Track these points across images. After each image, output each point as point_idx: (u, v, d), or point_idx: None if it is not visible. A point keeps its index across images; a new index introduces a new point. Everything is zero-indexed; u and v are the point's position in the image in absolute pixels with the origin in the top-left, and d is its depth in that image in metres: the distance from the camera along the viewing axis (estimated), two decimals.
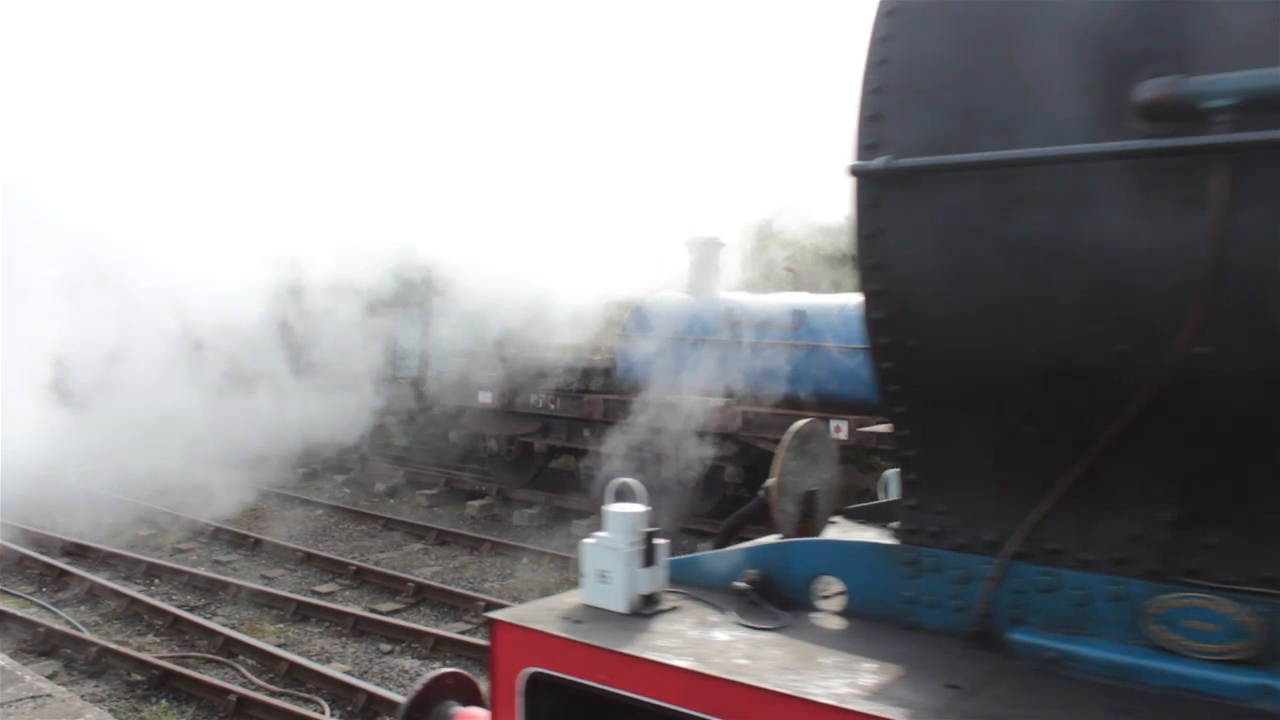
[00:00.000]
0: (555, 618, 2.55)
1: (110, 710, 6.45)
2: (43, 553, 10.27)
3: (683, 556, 2.88)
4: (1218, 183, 1.95)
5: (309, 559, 10.34)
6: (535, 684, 2.48)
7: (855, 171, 2.29)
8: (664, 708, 2.26)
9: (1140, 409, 2.13)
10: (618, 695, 2.33)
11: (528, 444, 13.30)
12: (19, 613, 8.41)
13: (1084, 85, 2.07)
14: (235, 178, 12.95)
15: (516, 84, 13.35)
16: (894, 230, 2.29)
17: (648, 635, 2.44)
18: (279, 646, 7.77)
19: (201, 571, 9.78)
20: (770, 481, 2.98)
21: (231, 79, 13.61)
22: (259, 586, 9.27)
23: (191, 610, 8.70)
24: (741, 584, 2.65)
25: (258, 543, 10.93)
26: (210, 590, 9.33)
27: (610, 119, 12.30)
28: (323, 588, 9.56)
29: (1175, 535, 2.19)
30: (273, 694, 6.92)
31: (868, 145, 2.31)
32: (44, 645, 7.87)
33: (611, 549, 2.59)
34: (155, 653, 7.69)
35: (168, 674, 7.11)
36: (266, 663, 7.44)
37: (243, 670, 7.36)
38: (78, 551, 10.52)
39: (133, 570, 9.95)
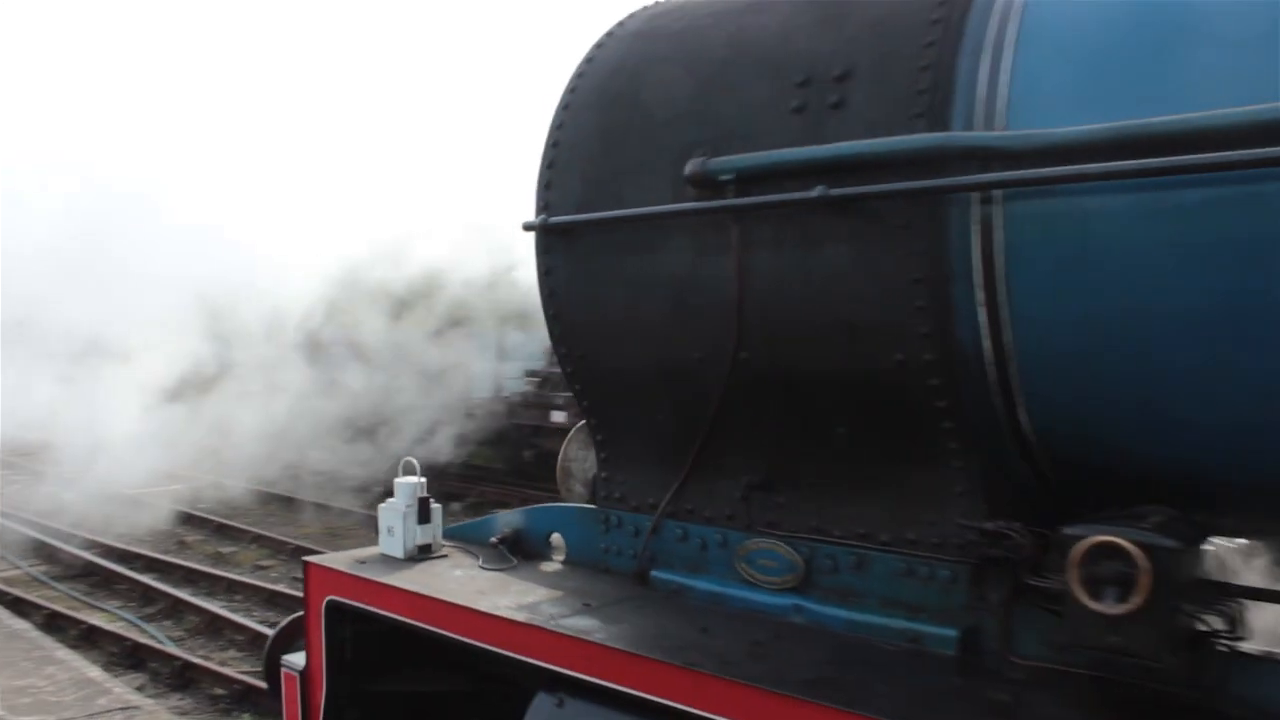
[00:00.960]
0: (351, 561, 3.47)
1: None
2: (130, 569, 10.58)
3: (472, 520, 3.76)
4: (733, 233, 2.71)
5: None
6: (332, 610, 3.40)
7: (526, 226, 3.14)
8: (399, 620, 3.15)
9: (720, 401, 2.90)
10: (372, 612, 3.23)
11: None
12: (108, 627, 8.65)
13: (663, 165, 2.87)
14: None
15: None
16: (557, 269, 3.13)
17: (408, 573, 3.33)
18: None
19: (281, 589, 9.81)
20: (558, 466, 3.82)
21: None
22: None
23: (271, 626, 9.12)
24: (494, 539, 3.52)
25: None
26: (290, 607, 9.03)
27: None
28: None
29: (761, 497, 2.94)
30: None
31: (540, 206, 3.16)
32: (132, 659, 8.00)
33: (394, 509, 3.50)
34: (236, 667, 7.83)
35: (249, 689, 7.15)
36: None
37: None
38: (164, 568, 10.83)
39: (214, 586, 10.18)
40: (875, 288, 2.48)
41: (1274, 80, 2.02)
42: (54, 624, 8.67)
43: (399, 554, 3.48)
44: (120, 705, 4.59)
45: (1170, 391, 2.23)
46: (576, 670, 2.68)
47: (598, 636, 2.67)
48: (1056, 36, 2.36)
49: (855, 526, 2.72)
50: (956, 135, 2.35)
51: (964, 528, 2.44)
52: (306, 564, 3.51)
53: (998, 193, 2.30)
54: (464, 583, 3.20)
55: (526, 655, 2.80)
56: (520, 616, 2.84)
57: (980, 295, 2.37)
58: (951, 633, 2.50)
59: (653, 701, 2.51)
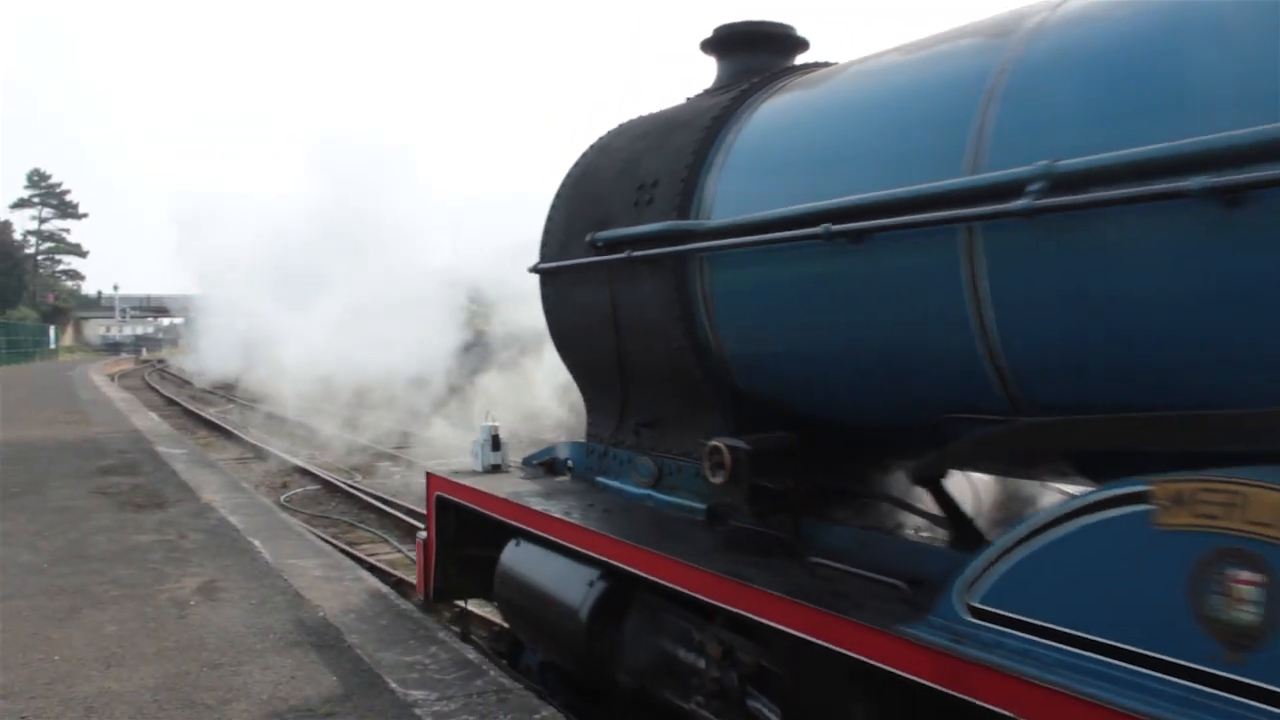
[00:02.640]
0: (450, 472, 5.90)
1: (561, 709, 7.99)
2: None
3: (538, 450, 6.04)
4: (608, 277, 4.77)
5: None
6: (441, 501, 5.84)
7: (531, 269, 5.38)
8: (471, 509, 5.49)
9: (620, 380, 4.95)
10: (454, 501, 5.62)
11: None
12: (478, 610, 10.16)
13: (583, 231, 4.96)
14: None
15: None
16: (548, 297, 5.35)
17: (477, 479, 5.67)
18: None
19: None
20: None
21: None
22: None
23: None
24: (535, 463, 5.79)
25: None
26: None
27: None
28: None
29: (644, 432, 4.93)
30: None
31: (541, 254, 5.37)
32: (500, 643, 9.14)
33: (478, 442, 5.89)
34: None
35: None
36: None
37: None
38: None
39: None
40: (661, 307, 4.44)
41: (822, 192, 3.76)
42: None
43: (479, 468, 5.88)
44: (495, 688, 4.70)
45: (785, 368, 4.04)
46: (525, 524, 4.89)
47: (536, 506, 4.84)
48: (739, 160, 4.21)
49: (680, 448, 4.66)
50: (684, 223, 4.28)
51: (703, 445, 4.35)
52: (427, 473, 6.01)
53: (705, 255, 4.21)
54: (500, 484, 5.49)
55: (506, 518, 5.05)
56: (507, 496, 5.09)
57: (704, 313, 4.28)
58: (703, 507, 4.40)
59: (554, 541, 4.65)
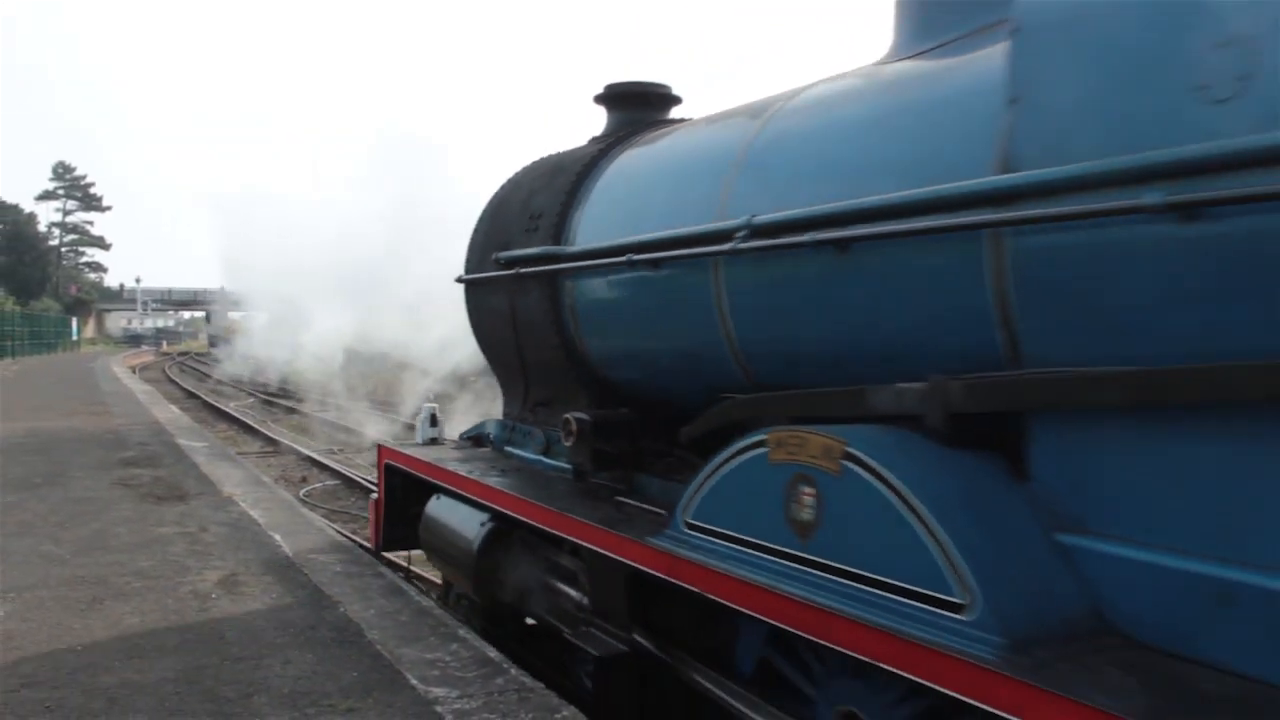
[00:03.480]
0: (397, 444, 7.27)
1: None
2: None
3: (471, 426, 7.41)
4: (508, 288, 6.12)
5: None
6: (389, 468, 7.22)
7: (456, 279, 6.74)
8: (411, 474, 6.87)
9: (521, 370, 6.30)
10: (399, 468, 7.00)
11: None
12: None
13: (494, 250, 6.30)
14: None
15: None
16: (470, 304, 6.72)
17: (416, 449, 7.05)
18: None
19: None
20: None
21: None
22: None
23: None
24: (466, 437, 7.16)
25: None
26: None
27: None
28: None
29: (538, 410, 6.28)
30: None
31: (465, 267, 6.73)
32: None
33: (420, 419, 7.27)
34: None
35: None
36: None
37: None
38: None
39: None
40: (542, 314, 5.78)
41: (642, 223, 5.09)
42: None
43: (420, 440, 7.25)
44: (516, 687, 4.70)
45: (624, 362, 5.38)
46: (442, 482, 6.25)
47: (451, 469, 6.19)
48: (595, 200, 5.54)
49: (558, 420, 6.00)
50: (556, 248, 5.62)
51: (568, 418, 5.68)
52: (378, 445, 7.40)
53: (569, 274, 5.55)
54: (431, 453, 6.85)
55: (430, 478, 6.41)
56: (432, 461, 6.46)
57: (570, 319, 5.62)
58: (570, 466, 5.73)
59: (461, 495, 6.00)
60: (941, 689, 2.74)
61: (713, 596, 3.72)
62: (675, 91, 6.48)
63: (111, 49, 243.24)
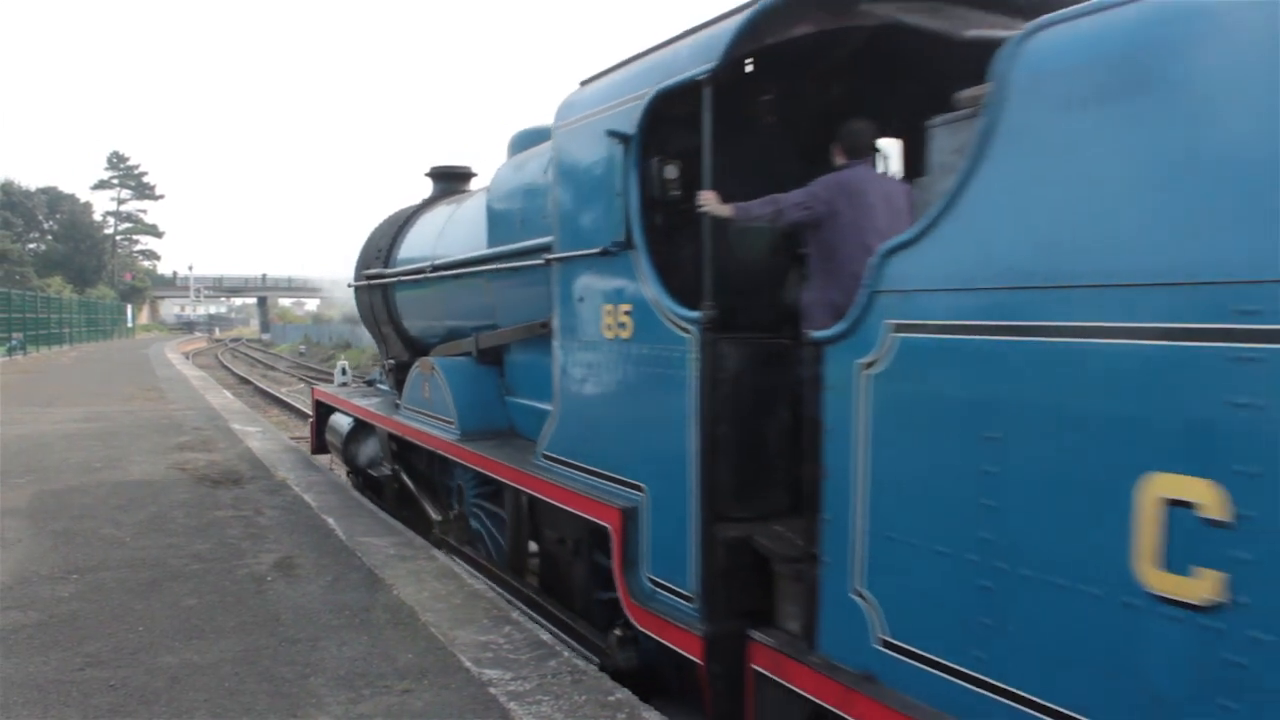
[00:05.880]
0: (325, 388, 12.29)
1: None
2: None
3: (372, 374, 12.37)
4: (369, 292, 11.01)
5: None
6: (317, 402, 12.24)
7: (348, 285, 11.69)
8: (324, 403, 11.84)
9: (399, 339, 11.22)
10: (320, 400, 12.00)
11: None
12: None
13: (362, 269, 11.17)
14: None
15: None
16: (357, 301, 11.69)
17: (331, 389, 12.10)
18: None
19: None
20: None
21: None
22: None
23: None
24: (366, 380, 12.20)
25: None
26: None
27: None
28: None
29: (393, 361, 11.15)
30: None
31: (354, 276, 11.65)
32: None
33: (336, 370, 12.38)
34: None
35: None
36: None
37: None
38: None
39: None
40: (381, 306, 10.69)
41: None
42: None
43: (337, 384, 12.35)
44: (569, 669, 4.82)
45: (421, 331, 10.30)
46: (337, 405, 11.27)
47: (341, 397, 11.17)
48: (406, 239, 10.43)
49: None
50: (385, 269, 10.54)
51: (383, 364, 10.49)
52: (312, 388, 12.48)
53: (390, 283, 10.41)
54: (338, 391, 11.85)
55: (332, 403, 11.43)
56: (334, 393, 11.46)
57: (395, 308, 10.52)
58: (393, 391, 10.60)
59: (344, 410, 10.96)
60: (441, 452, 7.66)
61: (400, 434, 8.71)
62: (474, 169, 11.25)
63: (167, 39, 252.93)
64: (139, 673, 4.82)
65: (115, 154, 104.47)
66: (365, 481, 10.89)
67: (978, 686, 3.04)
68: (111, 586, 6.30)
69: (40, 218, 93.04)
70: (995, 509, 2.99)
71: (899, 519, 3.36)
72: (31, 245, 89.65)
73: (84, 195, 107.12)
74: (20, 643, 5.33)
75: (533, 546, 6.92)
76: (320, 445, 12.15)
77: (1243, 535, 2.36)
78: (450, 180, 11.05)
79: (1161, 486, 2.53)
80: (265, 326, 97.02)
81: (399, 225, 10.69)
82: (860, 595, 3.55)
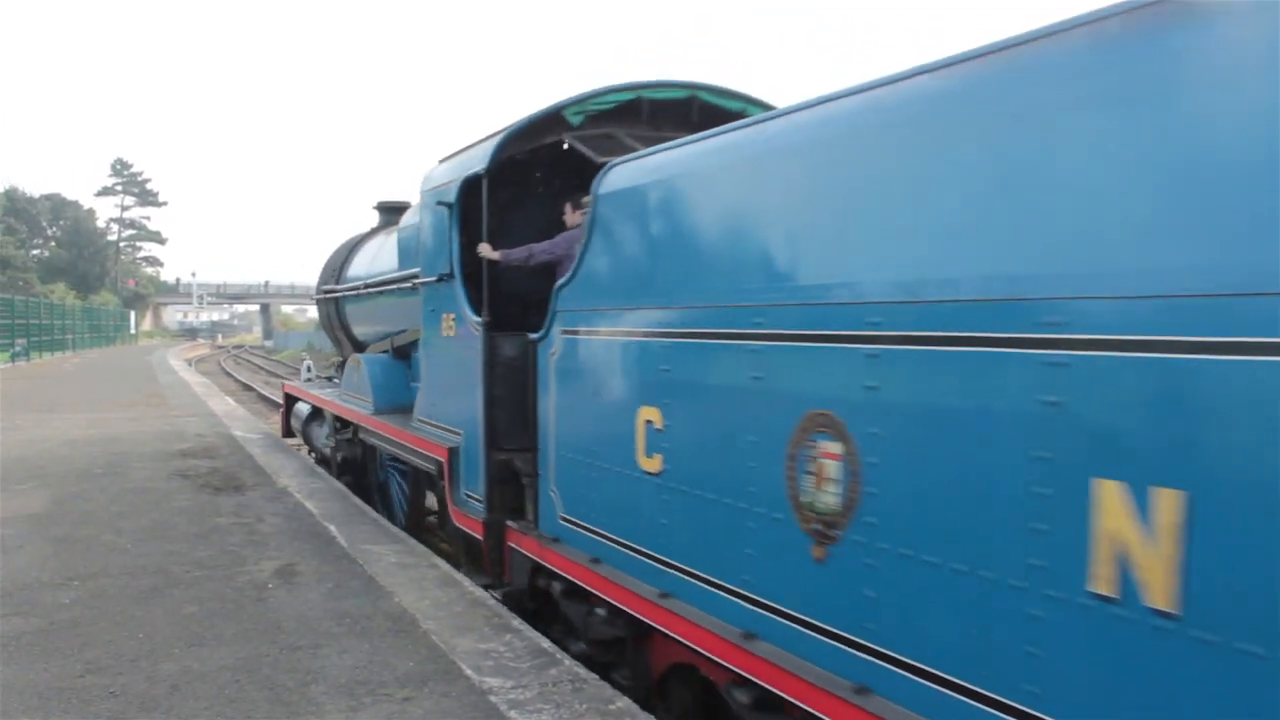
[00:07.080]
0: (292, 381, 14.70)
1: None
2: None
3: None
4: (326, 304, 12.95)
5: None
6: (286, 394, 14.98)
7: (311, 297, 13.56)
8: (291, 395, 14.27)
9: (349, 340, 12.93)
10: (289, 392, 14.52)
11: None
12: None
13: (322, 284, 13.19)
14: None
15: None
16: (319, 309, 14.09)
17: (298, 384, 14.83)
18: None
19: None
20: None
21: None
22: None
23: None
24: (326, 376, 14.80)
25: None
26: None
27: None
28: None
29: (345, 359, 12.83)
30: None
31: (316, 289, 13.60)
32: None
33: (302, 368, 14.73)
34: None
35: None
36: None
37: None
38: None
39: None
40: (336, 315, 13.28)
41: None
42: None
43: (303, 379, 14.95)
44: (570, 678, 4.83)
45: (364, 332, 12.68)
46: (299, 396, 13.94)
47: (304, 389, 13.80)
48: (353, 260, 12.97)
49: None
50: (337, 285, 13.14)
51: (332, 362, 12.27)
52: (284, 384, 15.15)
53: (341, 296, 12.26)
54: (302, 385, 14.49)
55: (296, 395, 14.09)
56: (299, 386, 14.12)
57: (345, 316, 13.06)
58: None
59: (304, 399, 13.52)
60: (357, 423, 10.50)
61: (337, 413, 11.33)
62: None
63: (171, 46, 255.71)
64: (139, 680, 4.87)
65: (119, 160, 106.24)
66: (320, 457, 13.17)
67: (602, 538, 5.49)
68: (112, 593, 6.35)
69: (44, 224, 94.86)
70: (594, 433, 5.53)
71: (566, 443, 5.86)
72: (35, 252, 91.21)
73: (88, 202, 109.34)
74: (21, 649, 5.39)
75: (433, 503, 9.47)
76: (288, 429, 14.63)
77: (666, 435, 4.82)
78: (391, 213, 13.26)
79: (644, 414, 4.99)
80: (268, 333, 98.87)
81: (350, 249, 13.21)
82: (553, 491, 6.05)
